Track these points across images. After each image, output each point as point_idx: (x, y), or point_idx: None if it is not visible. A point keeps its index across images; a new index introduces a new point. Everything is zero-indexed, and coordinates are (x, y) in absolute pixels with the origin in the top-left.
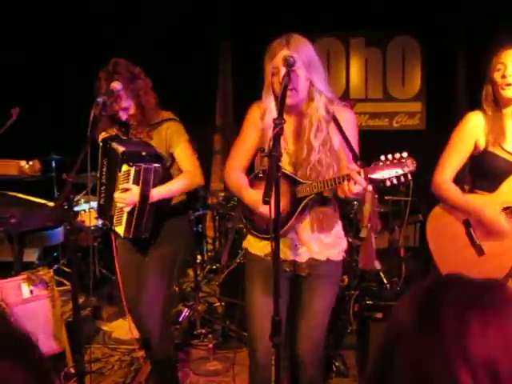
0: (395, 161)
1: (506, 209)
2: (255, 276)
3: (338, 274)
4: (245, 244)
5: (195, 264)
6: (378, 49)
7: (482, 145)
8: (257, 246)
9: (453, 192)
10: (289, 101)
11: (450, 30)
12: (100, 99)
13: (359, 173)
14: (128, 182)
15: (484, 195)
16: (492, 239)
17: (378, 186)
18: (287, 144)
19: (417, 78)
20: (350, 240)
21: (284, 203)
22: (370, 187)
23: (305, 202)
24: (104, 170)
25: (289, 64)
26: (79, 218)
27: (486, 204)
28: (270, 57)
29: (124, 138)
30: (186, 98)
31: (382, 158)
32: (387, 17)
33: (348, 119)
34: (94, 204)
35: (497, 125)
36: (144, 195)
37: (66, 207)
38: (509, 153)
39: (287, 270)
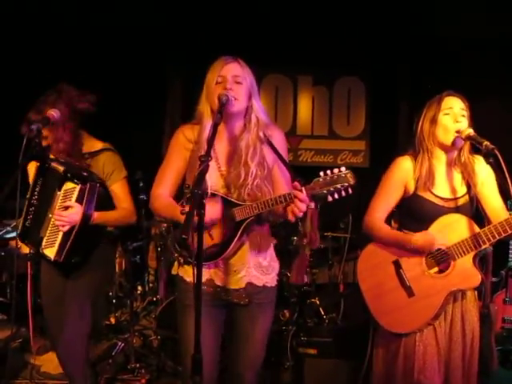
0: (335, 176)
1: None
2: (191, 305)
3: (273, 300)
4: (178, 271)
5: (132, 295)
6: (325, 87)
7: (411, 188)
8: (192, 274)
9: (384, 229)
10: (231, 108)
11: (394, 72)
12: (34, 126)
13: (301, 191)
14: (70, 200)
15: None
16: (421, 280)
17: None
18: (221, 167)
19: (361, 117)
20: (289, 275)
21: (222, 229)
22: (312, 204)
23: (244, 224)
24: (37, 189)
25: (222, 102)
26: (15, 245)
27: (415, 234)
28: (216, 68)
29: (62, 160)
30: (133, 123)
31: (322, 174)
32: (334, 57)
33: (281, 141)
34: None
35: (426, 170)
36: (86, 215)
37: None
38: (437, 197)
39: (225, 298)
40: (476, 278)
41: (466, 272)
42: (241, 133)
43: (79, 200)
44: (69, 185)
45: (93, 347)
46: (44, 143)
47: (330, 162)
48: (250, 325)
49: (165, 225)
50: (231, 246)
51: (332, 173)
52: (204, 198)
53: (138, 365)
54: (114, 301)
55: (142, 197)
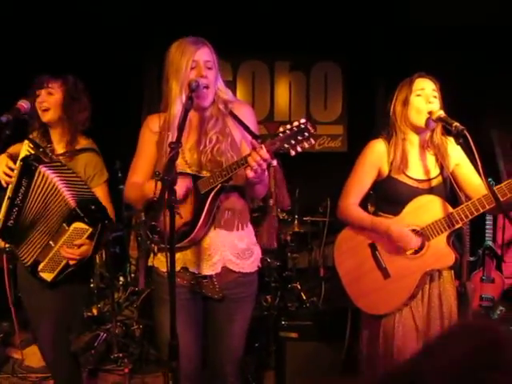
0: (294, 128)
1: (411, 231)
2: (166, 298)
3: (253, 291)
4: (154, 262)
5: (114, 286)
6: (302, 73)
7: (385, 171)
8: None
9: (358, 213)
10: (203, 102)
11: (370, 56)
12: (4, 118)
13: (260, 147)
14: (80, 238)
15: (388, 218)
16: (397, 261)
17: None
18: (188, 139)
19: (338, 102)
20: (269, 260)
21: (189, 205)
22: (274, 162)
23: (211, 196)
24: (21, 191)
25: (192, 88)
26: None
27: (393, 223)
28: (188, 51)
29: (45, 158)
30: (110, 114)
31: (281, 129)
32: (311, 42)
33: (246, 113)
34: None
35: (400, 152)
36: (95, 250)
37: None
38: (411, 178)
39: (198, 291)
40: (450, 257)
41: (440, 252)
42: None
43: (90, 238)
44: (79, 224)
45: (75, 339)
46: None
47: (308, 148)
48: (227, 321)
49: None
50: (200, 222)
51: (292, 126)
52: (174, 185)
53: (120, 354)
54: (95, 291)
55: (121, 187)
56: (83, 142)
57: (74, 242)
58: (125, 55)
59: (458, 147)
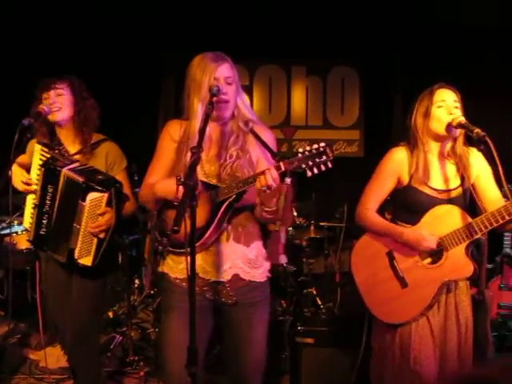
0: (314, 151)
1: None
2: (175, 305)
3: (266, 296)
4: (163, 268)
5: (130, 289)
6: (319, 77)
7: (405, 179)
8: (177, 269)
9: (376, 220)
10: (223, 113)
11: (388, 61)
12: (26, 122)
13: (278, 167)
14: (99, 208)
15: (406, 227)
16: (414, 271)
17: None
18: (208, 151)
19: (355, 107)
20: (285, 265)
21: (202, 211)
22: (288, 180)
23: (225, 205)
24: (48, 198)
25: (213, 93)
26: (11, 241)
27: (409, 228)
28: (209, 68)
29: (62, 159)
30: (127, 117)
31: (301, 149)
32: (328, 47)
33: (267, 135)
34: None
35: (422, 163)
36: (118, 217)
37: None
38: (432, 189)
39: (210, 298)
40: (468, 268)
41: (458, 262)
42: (227, 122)
43: (109, 205)
44: (94, 195)
45: None
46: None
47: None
48: (246, 326)
49: None
50: (211, 228)
51: (311, 148)
52: (196, 190)
53: (136, 357)
54: (111, 294)
55: (137, 190)
56: (95, 137)
57: (97, 213)
58: (142, 60)
59: (480, 159)
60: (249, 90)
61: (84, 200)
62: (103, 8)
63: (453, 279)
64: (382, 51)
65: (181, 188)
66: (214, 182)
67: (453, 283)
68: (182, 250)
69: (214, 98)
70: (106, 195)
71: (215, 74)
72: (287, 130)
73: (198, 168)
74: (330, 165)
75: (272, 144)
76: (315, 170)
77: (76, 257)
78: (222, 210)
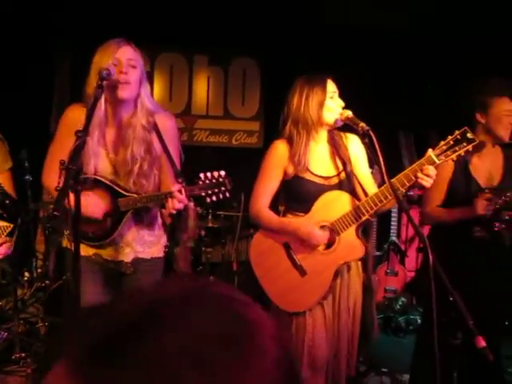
0: (214, 180)
1: (321, 227)
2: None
3: (160, 269)
4: (67, 244)
5: (16, 282)
6: (220, 67)
7: (290, 170)
8: (83, 248)
9: (269, 218)
10: (122, 94)
11: (288, 53)
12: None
13: (180, 191)
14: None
15: (299, 217)
16: (311, 258)
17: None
18: (110, 153)
19: (256, 99)
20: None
21: (106, 211)
22: (191, 204)
23: (128, 214)
24: None
25: (103, 76)
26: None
27: (301, 223)
28: (109, 50)
29: None
30: (19, 100)
31: (202, 176)
32: (230, 37)
33: (168, 129)
34: None
35: (303, 151)
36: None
37: None
38: (317, 176)
39: (112, 267)
40: (360, 248)
41: (350, 244)
42: (128, 119)
43: (9, 235)
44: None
45: None
46: None
47: (225, 142)
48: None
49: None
50: (115, 233)
51: (212, 176)
52: (80, 174)
53: (23, 354)
54: None
55: (27, 178)
56: None
57: None
58: (35, 42)
59: (354, 142)
60: (149, 78)
61: None
62: None
63: (348, 261)
64: (282, 43)
65: (63, 172)
66: (120, 185)
67: (345, 266)
68: (88, 243)
69: (105, 82)
70: (11, 226)
71: (116, 54)
72: (188, 118)
73: (104, 156)
74: (227, 194)
75: (174, 137)
76: (214, 198)
77: None
78: (125, 218)
